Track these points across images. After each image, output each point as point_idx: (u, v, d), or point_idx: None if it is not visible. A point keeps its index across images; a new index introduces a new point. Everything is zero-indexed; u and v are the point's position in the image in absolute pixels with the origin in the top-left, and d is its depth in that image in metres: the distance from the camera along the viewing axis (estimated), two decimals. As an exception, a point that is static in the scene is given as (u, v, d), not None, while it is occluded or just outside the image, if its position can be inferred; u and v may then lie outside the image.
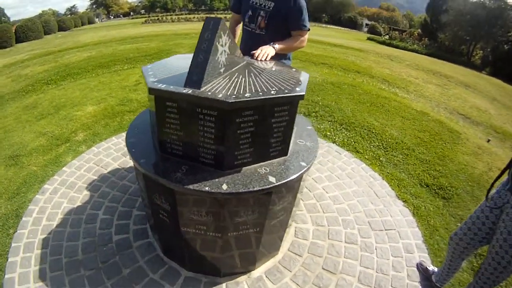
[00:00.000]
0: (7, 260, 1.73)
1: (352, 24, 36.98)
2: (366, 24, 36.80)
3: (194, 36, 9.95)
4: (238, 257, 1.60)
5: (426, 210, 2.34)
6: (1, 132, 3.34)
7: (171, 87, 1.22)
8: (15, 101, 4.37)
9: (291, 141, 1.48)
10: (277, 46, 1.86)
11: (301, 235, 1.99)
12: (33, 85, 4.99)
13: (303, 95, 1.31)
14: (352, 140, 3.24)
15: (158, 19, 29.58)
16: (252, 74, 1.46)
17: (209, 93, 1.17)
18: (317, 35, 13.86)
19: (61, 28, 24.28)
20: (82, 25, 30.99)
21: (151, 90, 1.22)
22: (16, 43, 15.45)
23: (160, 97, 1.24)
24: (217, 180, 1.25)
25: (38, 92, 4.67)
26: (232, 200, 1.31)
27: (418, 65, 8.92)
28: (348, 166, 2.78)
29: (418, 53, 15.05)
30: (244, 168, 1.34)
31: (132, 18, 45.75)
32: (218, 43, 1.25)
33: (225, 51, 1.35)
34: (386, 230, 2.09)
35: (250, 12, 1.97)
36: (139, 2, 71.88)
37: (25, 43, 15.35)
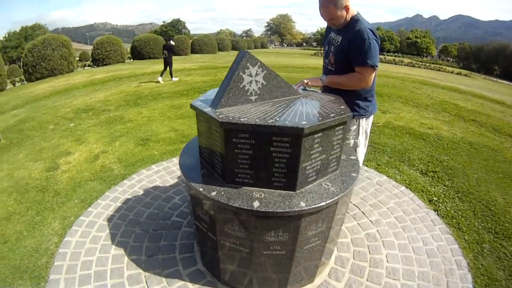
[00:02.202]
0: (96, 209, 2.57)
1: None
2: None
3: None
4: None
5: None
6: (146, 120, 4.74)
7: (201, 104, 1.52)
8: (167, 100, 5.93)
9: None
10: (325, 78, 1.86)
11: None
12: (187, 91, 6.65)
13: (301, 128, 1.25)
14: (459, 214, 2.42)
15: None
16: (289, 104, 1.53)
17: (218, 113, 1.37)
18: (480, 88, 11.21)
19: (234, 47, 30.07)
20: (254, 48, 37.11)
21: (191, 106, 1.58)
22: (191, 53, 20.44)
23: (194, 109, 1.57)
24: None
25: (188, 97, 6.20)
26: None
27: None
28: (434, 242, 2.11)
29: None
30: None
31: (304, 49, 50.09)
32: (243, 73, 1.45)
33: (256, 81, 1.52)
34: None
35: (326, 47, 2.03)
36: (312, 34, 77.87)
37: (198, 55, 19.69)
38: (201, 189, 1.43)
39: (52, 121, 5.26)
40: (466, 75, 19.57)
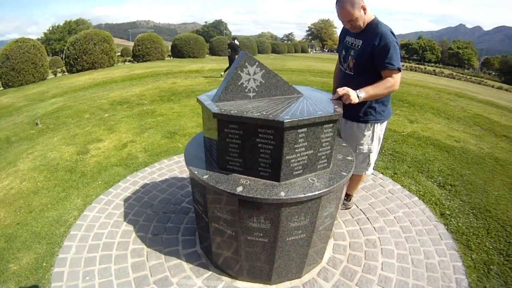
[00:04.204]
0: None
1: None
2: None
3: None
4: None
5: None
6: (176, 115, 5.06)
7: (205, 98, 1.66)
8: (200, 97, 6.40)
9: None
10: (363, 95, 1.73)
11: None
12: (220, 90, 7.05)
13: (282, 122, 1.31)
14: (471, 230, 2.26)
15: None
16: (285, 102, 1.61)
17: (215, 106, 1.50)
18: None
19: (274, 50, 29.98)
20: (294, 52, 36.70)
21: (197, 99, 1.73)
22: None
23: (198, 101, 1.71)
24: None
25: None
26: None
27: None
28: (437, 256, 2.01)
29: None
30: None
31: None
32: (242, 72, 1.56)
33: (255, 79, 1.62)
34: None
35: (344, 52, 2.02)
36: None
37: (237, 56, 20.65)
38: (196, 172, 1.56)
39: (88, 110, 5.80)
40: (507, 90, 18.01)
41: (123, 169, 3.15)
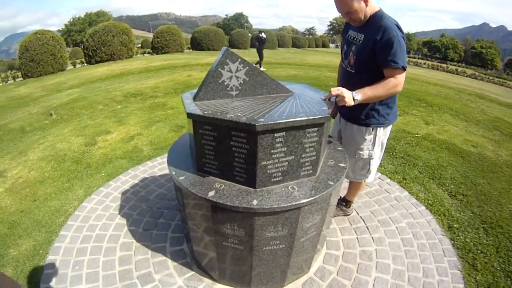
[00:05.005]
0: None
1: None
2: None
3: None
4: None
5: None
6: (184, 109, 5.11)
7: (187, 96, 1.61)
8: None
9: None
10: (359, 97, 1.55)
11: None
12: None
13: (253, 125, 1.22)
14: (478, 248, 2.04)
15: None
16: (269, 102, 1.52)
17: (193, 105, 1.45)
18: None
19: (294, 44, 29.66)
20: (315, 46, 36.18)
21: (181, 97, 1.68)
22: (250, 47, 20.65)
23: (181, 99, 1.67)
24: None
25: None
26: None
27: None
28: (437, 275, 1.83)
29: None
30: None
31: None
32: (222, 69, 1.48)
33: (237, 77, 1.54)
34: None
35: (345, 47, 1.85)
36: None
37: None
38: (174, 172, 1.53)
39: (102, 102, 5.98)
40: (531, 93, 16.57)
41: (127, 162, 3.22)
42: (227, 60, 1.48)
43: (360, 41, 1.69)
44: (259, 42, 10.34)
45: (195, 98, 1.53)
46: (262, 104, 1.48)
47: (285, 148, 1.34)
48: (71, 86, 9.09)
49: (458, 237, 2.13)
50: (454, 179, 2.92)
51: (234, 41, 23.76)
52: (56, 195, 2.66)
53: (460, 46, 56.34)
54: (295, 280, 1.79)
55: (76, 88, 8.63)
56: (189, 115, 1.35)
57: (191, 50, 21.67)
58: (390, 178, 2.94)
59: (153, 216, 2.34)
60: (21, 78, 14.51)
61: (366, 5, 1.58)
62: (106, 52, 15.57)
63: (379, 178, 2.93)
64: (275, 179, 1.40)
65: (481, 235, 2.16)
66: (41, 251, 2.02)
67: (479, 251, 2.01)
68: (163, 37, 18.91)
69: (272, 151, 1.31)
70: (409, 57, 40.79)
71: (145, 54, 20.41)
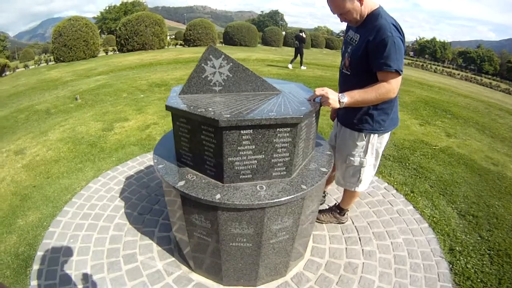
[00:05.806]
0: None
1: None
2: None
3: (438, 90, 8.69)
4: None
5: None
6: None
7: (174, 89, 1.66)
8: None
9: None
10: (346, 100, 1.48)
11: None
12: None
13: (217, 121, 1.23)
14: (479, 276, 1.84)
15: (422, 65, 28.05)
16: (250, 99, 1.52)
17: (172, 100, 1.48)
18: None
19: (328, 45, 28.93)
20: None
21: (171, 90, 1.74)
22: (283, 45, 20.36)
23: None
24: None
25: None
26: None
27: None
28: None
29: None
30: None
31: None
32: (205, 64, 1.50)
33: (221, 72, 1.55)
34: None
35: (343, 48, 1.78)
36: (411, 44, 72.64)
37: (291, 48, 19.50)
38: (155, 160, 1.60)
39: (127, 90, 6.24)
40: None
41: (138, 149, 3.40)
42: (210, 56, 1.49)
43: (356, 42, 1.60)
44: (299, 41, 10.22)
45: (180, 92, 1.57)
46: (242, 101, 1.48)
47: (253, 146, 1.33)
48: (100, 73, 9.50)
49: (458, 262, 1.93)
50: (467, 198, 2.65)
51: (267, 38, 23.72)
52: (67, 174, 2.90)
53: (496, 59, 54.07)
54: (270, 282, 1.77)
55: (105, 75, 8.98)
56: (167, 108, 1.40)
57: (223, 44, 21.92)
58: (396, 189, 2.75)
59: (150, 202, 2.45)
60: (53, 62, 15.28)
61: (361, 5, 1.49)
62: (138, 42, 15.99)
63: (385, 189, 2.76)
64: (244, 176, 1.40)
65: (485, 262, 1.94)
66: (44, 223, 2.23)
67: (479, 280, 1.81)
68: (195, 29, 19.21)
69: (239, 148, 1.31)
70: (443, 67, 38.28)
71: (177, 46, 20.81)
